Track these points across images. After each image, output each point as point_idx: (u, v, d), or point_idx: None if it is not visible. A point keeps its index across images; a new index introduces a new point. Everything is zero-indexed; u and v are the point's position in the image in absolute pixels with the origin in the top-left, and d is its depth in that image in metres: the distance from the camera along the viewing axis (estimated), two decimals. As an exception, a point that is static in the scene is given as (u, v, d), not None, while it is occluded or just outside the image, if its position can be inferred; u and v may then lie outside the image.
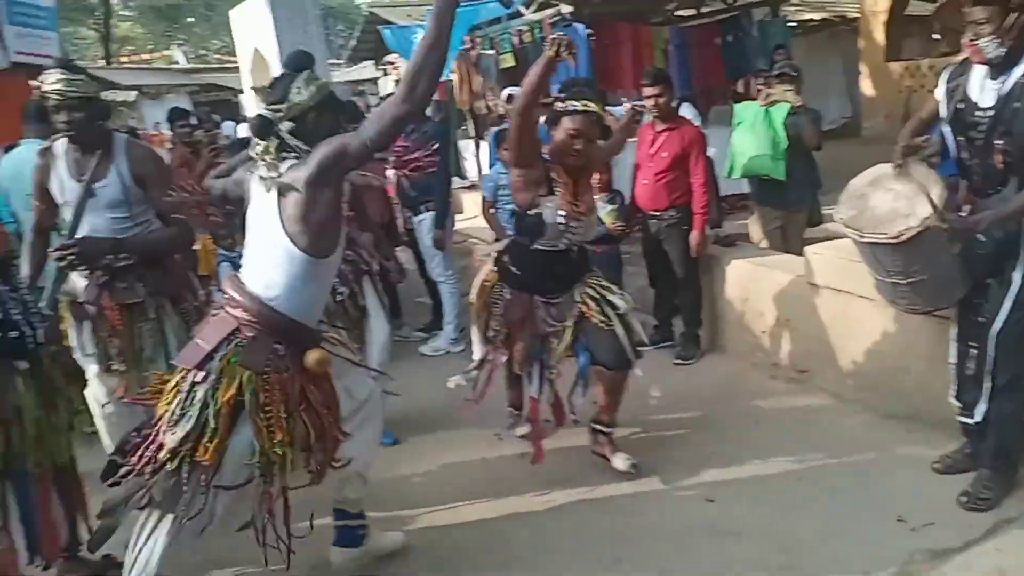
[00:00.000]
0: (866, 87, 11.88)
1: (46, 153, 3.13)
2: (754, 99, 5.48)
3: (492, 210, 5.04)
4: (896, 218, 2.82)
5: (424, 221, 5.10)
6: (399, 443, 3.92)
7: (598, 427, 3.51)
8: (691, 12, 11.21)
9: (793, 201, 5.13)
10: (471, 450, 3.78)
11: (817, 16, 13.56)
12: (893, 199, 2.88)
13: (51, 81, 2.92)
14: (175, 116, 6.25)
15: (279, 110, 2.36)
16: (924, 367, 3.55)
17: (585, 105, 3.20)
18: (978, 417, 2.97)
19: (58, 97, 2.93)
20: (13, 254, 2.61)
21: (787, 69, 5.32)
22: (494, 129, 6.18)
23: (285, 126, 2.36)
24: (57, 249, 3.01)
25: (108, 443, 3.12)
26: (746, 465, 3.45)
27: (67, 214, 3.12)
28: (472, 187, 9.96)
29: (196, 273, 3.93)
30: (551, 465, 3.48)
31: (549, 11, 9.24)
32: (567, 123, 3.21)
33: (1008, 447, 2.98)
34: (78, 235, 3.07)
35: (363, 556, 2.88)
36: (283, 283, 2.32)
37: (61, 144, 3.11)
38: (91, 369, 3.15)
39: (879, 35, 11.41)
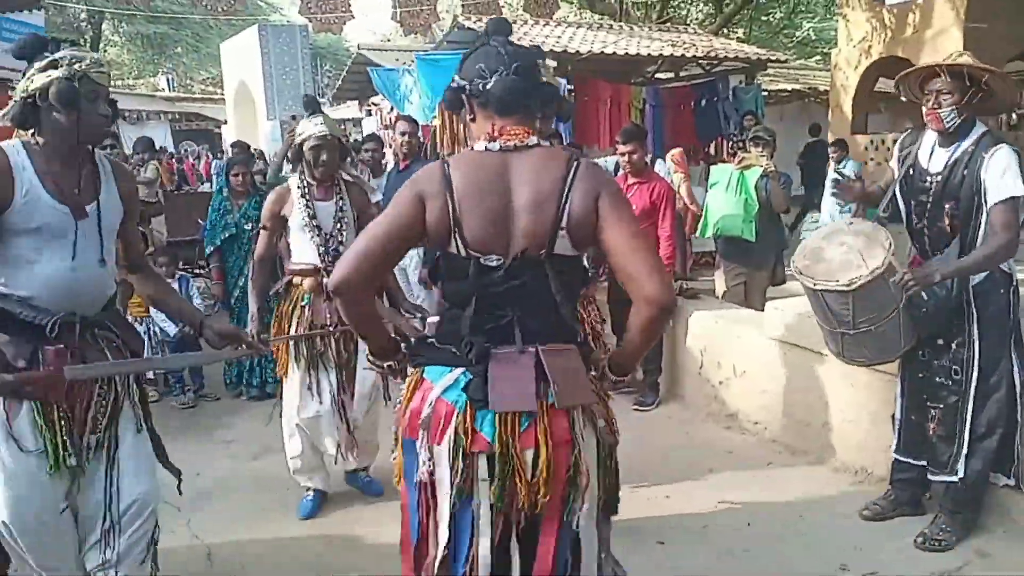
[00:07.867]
0: (833, 157, 12.23)
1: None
2: (727, 162, 5.62)
3: None
4: (849, 268, 2.96)
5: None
6: None
7: None
8: (670, 76, 11.55)
9: (757, 259, 5.26)
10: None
11: (789, 86, 14.04)
12: (846, 251, 3.02)
13: (317, 122, 3.37)
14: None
15: None
16: (869, 423, 3.67)
17: None
18: (961, 473, 3.03)
19: (321, 140, 3.37)
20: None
21: (761, 133, 5.46)
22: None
23: None
24: None
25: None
26: (696, 511, 3.51)
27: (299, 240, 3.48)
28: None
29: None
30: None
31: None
32: None
33: (978, 498, 3.13)
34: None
35: None
36: None
37: (293, 178, 3.53)
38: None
39: (847, 108, 11.81)
